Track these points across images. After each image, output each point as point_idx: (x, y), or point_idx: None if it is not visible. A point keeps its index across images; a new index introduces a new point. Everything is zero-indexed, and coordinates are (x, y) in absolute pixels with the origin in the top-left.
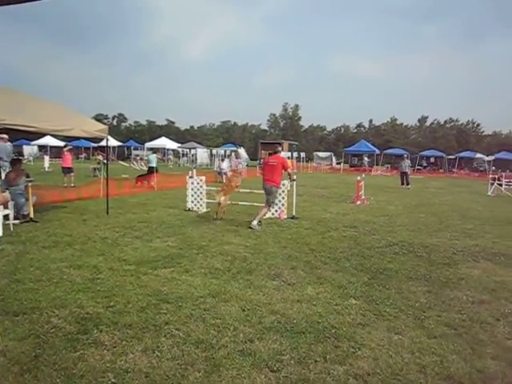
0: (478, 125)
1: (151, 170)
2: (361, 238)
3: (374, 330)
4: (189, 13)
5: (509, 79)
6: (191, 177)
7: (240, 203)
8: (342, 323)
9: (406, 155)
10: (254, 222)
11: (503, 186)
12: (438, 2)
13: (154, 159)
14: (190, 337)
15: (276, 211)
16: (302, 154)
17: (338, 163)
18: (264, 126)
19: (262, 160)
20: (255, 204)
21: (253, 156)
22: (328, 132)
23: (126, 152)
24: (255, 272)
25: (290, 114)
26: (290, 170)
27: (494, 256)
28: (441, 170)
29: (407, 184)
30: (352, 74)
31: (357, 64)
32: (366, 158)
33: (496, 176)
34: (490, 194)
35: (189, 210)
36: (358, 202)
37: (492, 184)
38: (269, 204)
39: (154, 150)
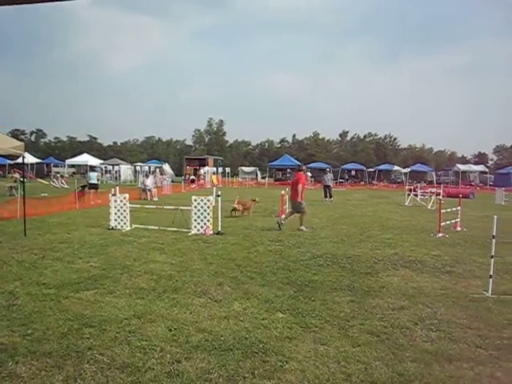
0: (395, 139)
1: (92, 187)
2: (286, 252)
3: (300, 343)
4: (114, 26)
5: (421, 96)
6: (114, 194)
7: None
8: (270, 337)
9: (328, 169)
10: (302, 227)
11: (418, 197)
12: (357, 22)
13: (94, 176)
14: (115, 361)
15: (202, 227)
16: (227, 169)
17: (263, 177)
18: (189, 142)
19: (187, 176)
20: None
21: (178, 172)
22: (253, 147)
23: (45, 169)
24: (181, 290)
25: (215, 129)
26: (299, 186)
27: (412, 263)
28: (362, 183)
29: (330, 197)
30: (276, 90)
31: (281, 80)
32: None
33: (412, 187)
34: (406, 204)
35: (112, 228)
36: (283, 216)
37: (408, 195)
38: (292, 212)
39: (94, 168)
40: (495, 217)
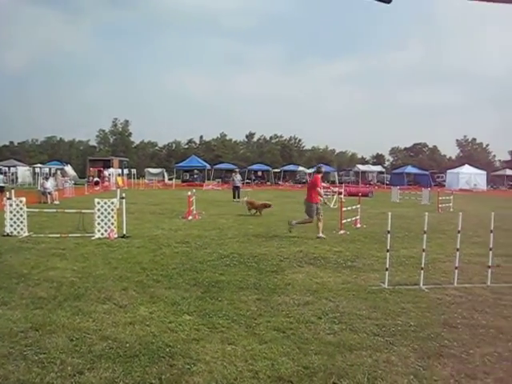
0: (300, 140)
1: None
2: (193, 253)
3: (208, 344)
4: (9, 20)
5: (323, 100)
6: (9, 198)
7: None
8: (177, 341)
9: (237, 169)
10: (319, 234)
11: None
12: (263, 27)
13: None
14: (8, 380)
15: (106, 231)
16: (133, 171)
17: (170, 179)
18: (93, 142)
19: (91, 177)
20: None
21: (81, 174)
22: (159, 148)
23: None
24: (84, 297)
25: (120, 129)
26: (318, 189)
27: (316, 260)
28: (268, 183)
29: (238, 197)
30: (184, 91)
31: (189, 81)
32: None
33: None
34: None
35: (7, 234)
36: (190, 217)
37: None
38: (318, 217)
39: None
40: (389, 213)
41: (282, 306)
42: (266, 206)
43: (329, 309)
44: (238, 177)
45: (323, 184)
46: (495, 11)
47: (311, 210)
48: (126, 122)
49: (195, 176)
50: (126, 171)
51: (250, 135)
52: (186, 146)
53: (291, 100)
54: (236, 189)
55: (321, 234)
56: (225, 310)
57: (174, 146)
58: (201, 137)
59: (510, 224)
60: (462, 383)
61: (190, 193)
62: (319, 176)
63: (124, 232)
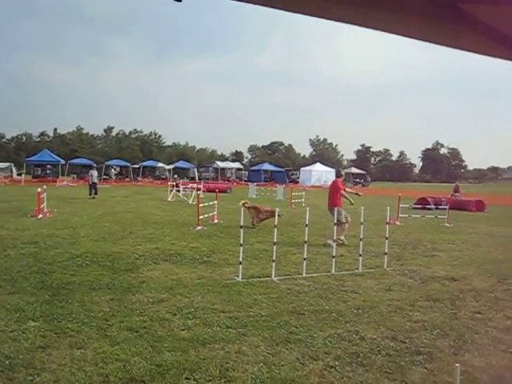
0: (160, 136)
1: None
2: (42, 254)
3: (55, 351)
4: None
5: (184, 96)
6: None
7: None
8: (19, 351)
9: (94, 165)
10: (341, 237)
11: (181, 192)
12: (127, 19)
13: None
14: None
15: None
16: None
17: (19, 174)
18: None
19: None
20: None
21: None
22: (7, 140)
23: None
24: None
25: None
26: (341, 192)
27: (172, 256)
28: (127, 179)
29: (95, 194)
30: (40, 79)
31: (47, 69)
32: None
33: (174, 183)
34: (169, 199)
35: None
36: (40, 216)
37: (171, 190)
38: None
39: None
40: (242, 208)
41: (135, 305)
42: (273, 214)
43: (183, 305)
44: (95, 173)
45: (181, 180)
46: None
47: (340, 214)
48: None
49: (48, 171)
50: None
51: (109, 129)
52: (38, 139)
53: (149, 94)
54: (93, 185)
55: (342, 237)
56: (75, 313)
57: (24, 138)
58: (55, 129)
59: (354, 217)
60: (306, 364)
61: (40, 189)
62: (340, 180)
63: None
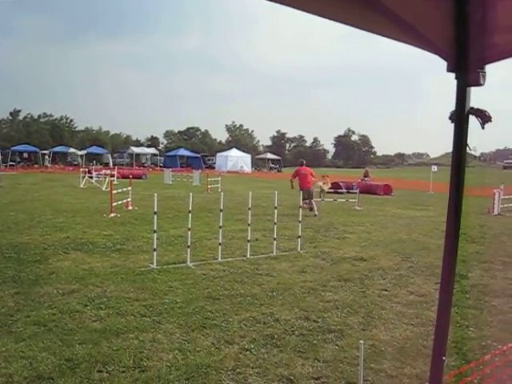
0: (72, 120)
1: None
2: None
3: None
4: None
5: (98, 79)
6: None
7: None
8: None
9: None
10: (316, 213)
11: (94, 179)
12: None
13: None
14: None
15: None
16: None
17: None
18: None
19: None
20: None
21: None
22: None
23: None
24: None
25: None
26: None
27: (84, 245)
28: (36, 166)
29: None
30: None
31: None
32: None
33: (87, 169)
34: (82, 186)
35: None
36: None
37: (83, 177)
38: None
39: None
40: (155, 195)
41: (44, 298)
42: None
43: (95, 295)
44: None
45: (94, 166)
46: (271, 14)
47: (311, 192)
48: None
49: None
50: None
51: (15, 112)
52: None
53: (63, 76)
54: None
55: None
56: None
57: None
58: None
59: (268, 201)
60: (221, 349)
61: None
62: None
63: None
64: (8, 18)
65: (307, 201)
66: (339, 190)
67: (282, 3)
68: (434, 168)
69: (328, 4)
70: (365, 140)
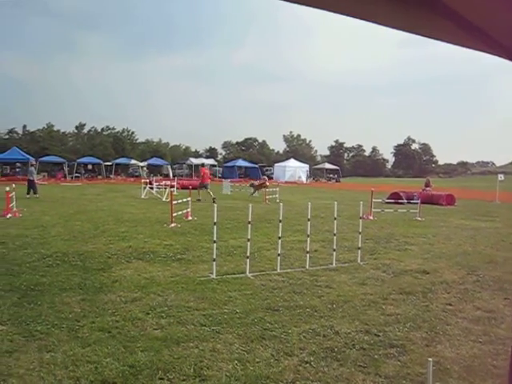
0: (133, 132)
1: None
2: (10, 255)
3: (23, 355)
4: None
5: (156, 93)
6: None
7: None
8: None
9: (33, 161)
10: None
11: (154, 189)
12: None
13: None
14: None
15: None
16: None
17: None
18: None
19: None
20: None
21: None
22: None
23: None
24: None
25: None
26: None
27: (145, 255)
28: (99, 177)
29: (34, 193)
30: (5, 74)
31: (11, 65)
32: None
33: (148, 180)
34: (143, 197)
35: None
36: (9, 215)
37: (144, 188)
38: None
39: None
40: (215, 205)
41: (108, 305)
42: None
43: (157, 303)
44: (32, 170)
45: (155, 177)
46: (325, 22)
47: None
48: None
49: (17, 170)
50: None
51: (81, 126)
52: (7, 137)
53: (122, 91)
54: (30, 183)
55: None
56: (44, 315)
57: None
58: (24, 126)
59: (327, 212)
60: (280, 361)
61: (8, 188)
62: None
63: None
64: (71, 34)
65: None
66: (400, 201)
67: (335, 12)
68: (501, 177)
69: (384, 10)
70: (425, 148)
